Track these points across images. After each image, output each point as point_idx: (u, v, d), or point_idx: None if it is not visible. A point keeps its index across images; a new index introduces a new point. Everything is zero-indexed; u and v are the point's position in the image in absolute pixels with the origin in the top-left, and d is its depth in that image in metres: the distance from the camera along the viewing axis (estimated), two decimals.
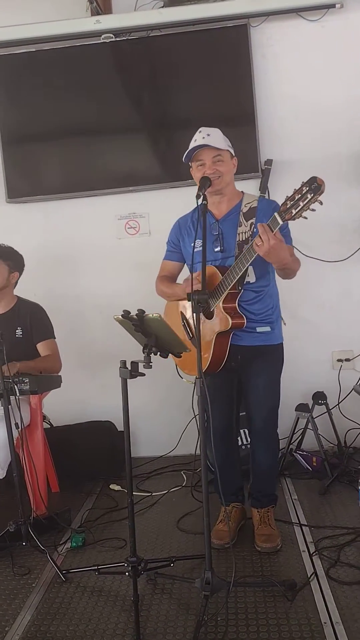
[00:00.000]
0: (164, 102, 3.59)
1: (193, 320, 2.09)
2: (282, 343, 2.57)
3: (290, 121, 3.53)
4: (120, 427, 3.49)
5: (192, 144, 2.39)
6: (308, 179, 2.04)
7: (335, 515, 2.71)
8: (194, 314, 2.03)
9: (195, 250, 2.34)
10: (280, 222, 2.11)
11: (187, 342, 2.47)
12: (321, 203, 2.05)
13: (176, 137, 3.55)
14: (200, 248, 2.23)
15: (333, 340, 3.61)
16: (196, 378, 2.01)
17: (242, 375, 2.55)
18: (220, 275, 2.36)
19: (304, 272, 2.57)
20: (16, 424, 2.45)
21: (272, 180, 3.52)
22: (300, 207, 2.05)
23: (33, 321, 3.10)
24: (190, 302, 2.09)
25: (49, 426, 3.32)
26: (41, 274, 3.57)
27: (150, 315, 2.00)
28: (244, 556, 2.39)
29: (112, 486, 3.22)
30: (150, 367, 2.06)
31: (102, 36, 3.45)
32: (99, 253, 3.72)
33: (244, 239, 2.39)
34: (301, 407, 3.32)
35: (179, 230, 2.63)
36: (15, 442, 2.55)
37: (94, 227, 3.71)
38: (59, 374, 3.02)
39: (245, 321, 2.38)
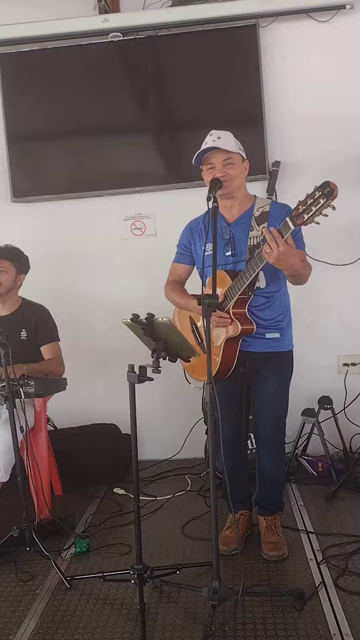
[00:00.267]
0: (171, 102, 3.55)
1: (203, 325, 2.05)
2: (291, 350, 2.53)
3: (298, 122, 3.50)
4: (124, 429, 3.47)
5: (203, 147, 2.36)
6: (321, 184, 2.00)
7: (342, 522, 2.68)
8: (204, 319, 2.00)
9: (206, 254, 2.30)
10: (292, 227, 2.07)
11: (196, 346, 2.44)
12: (334, 208, 2.01)
13: (183, 137, 3.52)
14: (211, 252, 2.20)
15: (339, 344, 3.58)
16: (205, 384, 1.98)
17: (250, 382, 2.52)
18: (230, 279, 2.33)
19: (310, 275, 2.54)
20: (21, 427, 2.42)
21: (280, 182, 3.49)
22: (312, 212, 2.02)
23: (38, 323, 3.08)
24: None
25: (53, 428, 3.29)
26: (45, 275, 3.53)
27: (160, 319, 1.97)
28: (251, 564, 2.36)
29: (116, 490, 3.19)
30: (159, 371, 2.03)
31: (110, 35, 3.42)
32: (104, 254, 3.69)
33: (255, 243, 2.36)
34: (307, 412, 3.29)
35: (191, 232, 2.60)
36: (19, 445, 2.52)
37: (100, 228, 3.67)
38: (64, 376, 2.99)
39: (255, 327, 2.35)
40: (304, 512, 2.82)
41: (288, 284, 2.49)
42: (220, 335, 2.36)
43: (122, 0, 3.57)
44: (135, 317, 2.01)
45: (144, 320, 1.99)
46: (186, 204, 3.53)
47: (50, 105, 3.59)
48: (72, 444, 3.29)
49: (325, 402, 3.31)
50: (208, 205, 2.21)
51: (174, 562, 2.32)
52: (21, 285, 3.16)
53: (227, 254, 2.41)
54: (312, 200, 2.01)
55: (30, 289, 3.22)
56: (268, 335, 2.42)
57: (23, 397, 2.42)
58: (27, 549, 2.42)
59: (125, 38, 3.45)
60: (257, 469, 2.56)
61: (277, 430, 2.51)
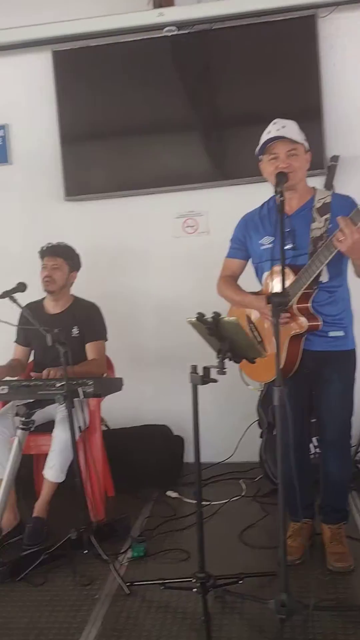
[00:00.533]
0: (225, 98, 3.47)
1: (270, 323, 1.96)
2: (354, 349, 2.42)
3: (358, 116, 3.37)
4: (176, 431, 3.40)
5: (266, 136, 2.26)
6: None
7: None
8: (273, 319, 1.91)
9: (263, 247, 2.22)
10: None
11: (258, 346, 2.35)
12: None
13: (236, 133, 3.45)
14: (269, 245, 2.14)
15: None
16: (268, 385, 1.89)
17: (313, 383, 2.41)
18: (293, 274, 2.23)
19: None
20: (79, 427, 2.37)
21: (338, 177, 3.36)
22: None
23: (88, 320, 3.03)
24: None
25: (106, 429, 3.25)
26: (95, 273, 3.48)
27: (226, 318, 1.89)
28: (317, 575, 2.25)
29: (168, 493, 3.13)
30: (224, 373, 1.96)
31: (165, 29, 3.36)
32: (155, 252, 3.64)
33: (318, 235, 2.25)
34: None
35: (245, 227, 2.50)
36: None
37: (151, 226, 3.62)
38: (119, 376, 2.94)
39: (322, 323, 2.24)
40: None
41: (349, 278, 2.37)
42: (285, 332, 2.26)
43: None
44: (201, 316, 1.93)
45: (210, 320, 1.91)
46: (239, 201, 3.43)
47: (102, 103, 3.56)
48: (124, 445, 3.24)
49: None
50: (277, 199, 2.11)
51: (234, 571, 2.23)
52: (73, 283, 3.14)
53: (287, 247, 2.30)
54: None
55: (81, 287, 3.18)
56: (331, 334, 2.30)
57: (82, 397, 2.37)
58: (85, 552, 2.37)
59: (179, 32, 3.38)
60: (322, 474, 2.45)
61: (343, 432, 2.39)
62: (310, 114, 3.32)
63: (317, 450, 2.75)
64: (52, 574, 2.37)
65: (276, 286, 2.21)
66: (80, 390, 2.36)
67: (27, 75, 3.63)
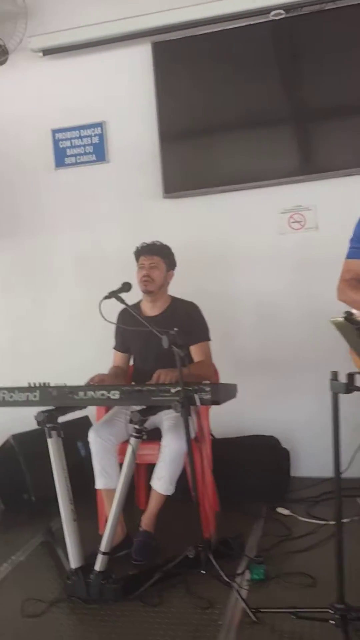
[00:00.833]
0: (335, 85, 3.22)
1: None
2: None
3: None
4: (284, 443, 3.17)
5: None
6: None
7: None
8: None
9: None
10: None
11: None
12: None
13: (349, 124, 3.18)
14: None
15: None
16: None
17: None
18: None
19: None
20: (195, 438, 2.20)
21: None
22: None
23: (190, 321, 2.86)
24: None
25: (211, 438, 3.06)
26: (194, 271, 3.31)
27: None
28: None
29: (279, 509, 2.90)
30: None
31: (272, 13, 3.16)
32: (258, 250, 3.43)
33: None
34: None
35: None
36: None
37: (253, 222, 3.42)
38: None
39: None
40: None
41: None
42: None
43: None
44: (349, 315, 1.71)
45: None
46: (351, 193, 3.20)
47: (201, 96, 3.41)
48: (229, 457, 3.03)
49: None
50: None
51: None
52: (169, 282, 2.98)
53: None
54: None
55: (178, 287, 3.01)
56: None
57: (199, 404, 2.20)
58: (203, 572, 2.19)
59: (288, 15, 3.17)
60: None
61: None
62: None
63: None
64: (167, 593, 2.20)
65: None
66: (196, 396, 2.18)
67: (125, 69, 3.53)
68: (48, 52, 3.53)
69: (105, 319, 2.60)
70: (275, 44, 3.31)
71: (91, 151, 3.61)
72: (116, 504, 2.23)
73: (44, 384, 2.47)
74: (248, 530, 2.72)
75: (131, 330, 2.85)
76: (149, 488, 2.66)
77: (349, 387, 1.78)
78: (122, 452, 2.61)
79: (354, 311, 1.79)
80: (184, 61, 3.40)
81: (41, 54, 3.54)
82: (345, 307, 2.24)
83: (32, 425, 3.23)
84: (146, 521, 2.57)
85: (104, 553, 2.21)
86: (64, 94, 3.63)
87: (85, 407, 2.62)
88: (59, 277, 3.72)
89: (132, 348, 2.96)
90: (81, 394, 2.37)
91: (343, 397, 2.31)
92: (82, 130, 3.60)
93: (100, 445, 2.58)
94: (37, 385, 2.45)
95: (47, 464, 3.09)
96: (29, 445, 3.18)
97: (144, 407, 2.31)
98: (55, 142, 3.65)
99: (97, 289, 3.53)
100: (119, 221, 3.59)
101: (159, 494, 2.53)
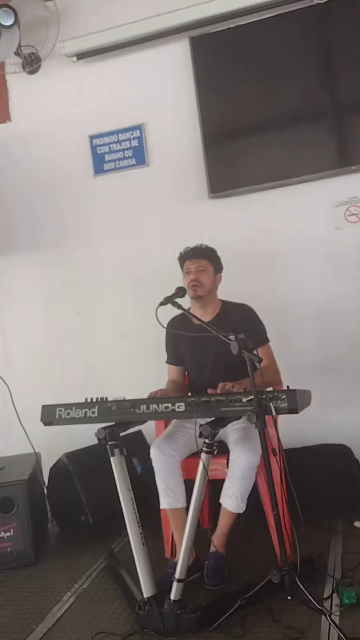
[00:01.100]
0: None
1: None
2: None
3: None
4: (357, 452, 2.96)
5: None
6: None
7: None
8: None
9: None
10: None
11: None
12: None
13: None
14: None
15: None
16: None
17: None
18: None
19: None
20: (274, 450, 2.01)
21: None
22: None
23: (246, 324, 2.67)
24: None
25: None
26: (242, 274, 3.13)
27: None
28: None
29: (357, 524, 2.68)
30: None
31: None
32: (310, 247, 3.24)
33: None
34: None
35: None
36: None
37: (305, 218, 3.24)
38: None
39: None
40: None
41: None
42: None
43: None
44: None
45: None
46: None
47: (243, 90, 3.26)
48: (297, 467, 2.81)
49: None
50: None
51: None
52: (218, 286, 2.81)
53: None
54: None
55: (226, 291, 2.82)
56: None
57: (274, 414, 2.01)
58: (289, 598, 2.00)
59: None
60: None
61: None
62: None
63: None
64: (250, 622, 2.01)
65: None
66: (272, 405, 2.00)
67: (162, 68, 3.39)
68: (82, 55, 3.42)
69: (164, 327, 2.45)
70: (319, 31, 3.14)
71: (130, 155, 3.48)
72: (189, 526, 2.06)
73: (102, 398, 2.32)
74: (326, 547, 2.52)
75: (185, 339, 2.70)
76: (214, 505, 2.49)
77: None
78: (185, 469, 2.47)
79: None
80: (224, 55, 3.25)
81: (75, 58, 3.44)
82: None
83: (83, 442, 3.16)
84: (217, 542, 2.38)
85: (179, 580, 2.03)
86: (100, 98, 3.51)
87: (145, 422, 2.45)
88: (103, 288, 3.58)
89: (187, 358, 2.79)
90: (143, 407, 2.22)
91: None
92: (120, 134, 3.48)
93: (163, 462, 2.42)
94: (95, 400, 2.31)
95: (103, 483, 2.94)
96: (83, 464, 3.04)
97: (211, 419, 2.14)
98: (93, 148, 3.54)
99: (144, 298, 3.43)
100: (163, 225, 3.44)
101: (230, 512, 2.35)
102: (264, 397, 2.01)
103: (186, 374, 2.85)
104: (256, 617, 2.03)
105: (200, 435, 2.07)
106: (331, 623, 1.89)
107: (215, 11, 3.17)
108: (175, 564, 2.34)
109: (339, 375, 3.17)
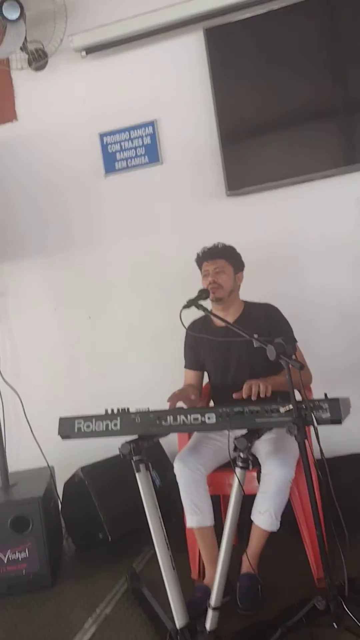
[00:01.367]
0: None
1: None
2: None
3: None
4: None
5: None
6: None
7: None
8: None
9: None
10: None
11: None
12: None
13: None
14: None
15: None
16: None
17: None
18: None
19: None
20: (317, 462, 1.85)
21: None
22: None
23: (271, 324, 2.52)
24: None
25: None
26: (262, 274, 2.94)
27: None
28: None
29: None
30: None
31: None
32: (334, 245, 3.08)
33: None
34: None
35: None
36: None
37: (329, 215, 3.08)
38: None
39: None
40: None
41: None
42: None
43: None
44: None
45: None
46: None
47: (262, 83, 3.11)
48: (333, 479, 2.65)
49: None
50: None
51: None
52: (240, 285, 2.66)
53: None
54: None
55: (246, 292, 2.68)
56: None
57: (316, 424, 1.85)
58: (335, 626, 1.83)
59: None
60: None
61: None
62: None
63: None
64: None
65: None
66: (314, 415, 1.84)
67: (175, 61, 3.24)
68: (91, 50, 3.28)
69: (190, 332, 2.31)
70: (340, 17, 2.99)
71: (143, 153, 3.33)
72: (225, 549, 1.90)
73: (124, 409, 2.16)
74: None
75: (207, 342, 2.55)
76: (242, 522, 2.32)
77: None
78: (210, 484, 2.31)
79: None
80: (240, 47, 3.10)
81: (84, 53, 3.29)
82: None
83: (98, 454, 2.99)
84: (248, 562, 2.22)
85: (214, 608, 1.87)
86: (110, 94, 3.36)
87: (168, 434, 2.29)
88: (116, 291, 3.42)
89: (209, 362, 2.63)
90: (170, 419, 2.05)
91: None
92: (132, 132, 3.33)
93: (189, 477, 2.26)
94: (117, 411, 2.15)
95: (121, 498, 2.81)
96: (100, 478, 2.87)
97: (245, 431, 1.98)
98: (104, 146, 3.38)
99: (159, 302, 3.31)
100: (178, 225, 3.29)
101: (263, 530, 2.19)
102: (304, 406, 1.85)
103: (206, 377, 2.70)
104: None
105: (235, 449, 1.91)
106: None
107: (230, 1, 3.02)
108: (205, 587, 2.20)
109: None
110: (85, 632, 2.18)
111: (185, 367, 2.71)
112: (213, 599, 1.89)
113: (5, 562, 2.56)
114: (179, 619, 1.90)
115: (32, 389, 3.41)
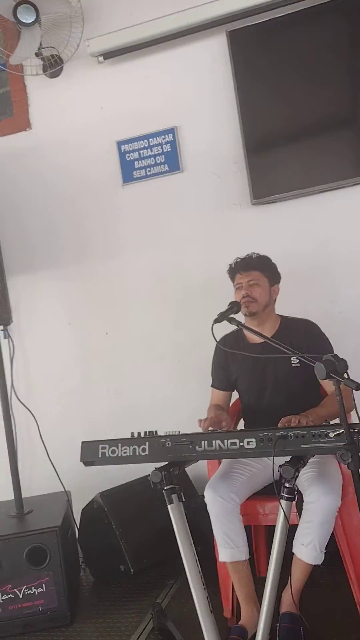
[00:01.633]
0: None
1: None
2: None
3: None
4: None
5: None
6: None
7: None
8: None
9: None
10: None
11: None
12: None
13: None
14: None
15: None
16: None
17: None
18: None
19: None
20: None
21: None
22: None
23: (310, 341, 2.34)
24: None
25: None
26: (292, 287, 2.77)
27: None
28: None
29: None
30: None
31: None
32: None
33: None
34: None
35: None
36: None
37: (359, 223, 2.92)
38: None
39: None
40: None
41: None
42: None
43: None
44: None
45: None
46: None
47: (288, 88, 2.96)
48: None
49: None
50: None
51: None
52: (275, 299, 2.50)
53: None
54: None
55: (278, 305, 2.52)
56: None
57: None
58: None
59: None
60: None
61: None
62: None
63: None
64: None
65: None
66: None
67: (197, 66, 3.10)
68: (109, 55, 3.15)
69: (223, 348, 2.15)
70: None
71: (163, 161, 3.19)
72: (270, 589, 1.71)
73: (152, 432, 1.99)
74: None
75: (240, 360, 2.39)
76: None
77: None
78: (244, 513, 2.13)
79: None
80: (265, 50, 2.97)
81: (101, 58, 3.16)
82: None
83: (118, 478, 2.81)
84: (289, 600, 2.02)
85: None
86: (129, 101, 3.22)
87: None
88: (134, 305, 3.26)
89: (241, 382, 2.46)
90: (204, 444, 1.88)
91: None
92: (151, 139, 3.19)
93: (221, 508, 2.08)
94: (145, 435, 1.97)
95: (143, 527, 2.63)
96: (121, 505, 2.68)
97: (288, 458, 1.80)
98: (122, 155, 3.25)
99: (182, 317, 3.15)
100: (200, 235, 3.13)
101: (306, 564, 2.00)
102: (356, 430, 1.67)
103: (235, 397, 2.54)
104: None
105: (281, 478, 1.73)
106: None
107: (255, 1, 2.90)
108: (241, 630, 2.01)
109: None
110: None
111: (213, 386, 2.54)
112: None
113: (21, 597, 2.38)
114: None
115: (46, 407, 3.25)
